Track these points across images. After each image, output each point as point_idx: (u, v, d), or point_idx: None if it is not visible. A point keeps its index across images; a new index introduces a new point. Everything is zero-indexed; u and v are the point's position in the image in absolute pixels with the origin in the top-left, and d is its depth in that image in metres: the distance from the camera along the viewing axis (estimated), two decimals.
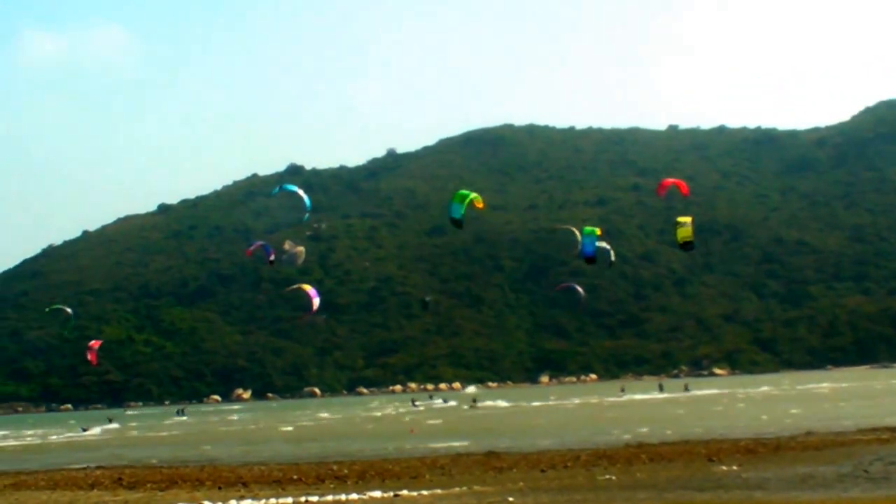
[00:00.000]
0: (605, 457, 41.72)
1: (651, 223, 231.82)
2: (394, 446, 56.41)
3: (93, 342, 66.30)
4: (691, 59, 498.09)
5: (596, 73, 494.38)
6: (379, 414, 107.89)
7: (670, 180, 52.65)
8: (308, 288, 49.82)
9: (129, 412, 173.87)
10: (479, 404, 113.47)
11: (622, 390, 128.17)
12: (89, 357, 64.20)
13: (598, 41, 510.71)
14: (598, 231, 43.21)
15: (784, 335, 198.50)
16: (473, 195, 40.24)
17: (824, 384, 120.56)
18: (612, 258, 50.32)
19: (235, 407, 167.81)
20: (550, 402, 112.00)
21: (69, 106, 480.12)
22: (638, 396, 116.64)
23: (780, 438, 47.05)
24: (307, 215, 40.21)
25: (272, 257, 55.74)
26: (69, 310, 35.14)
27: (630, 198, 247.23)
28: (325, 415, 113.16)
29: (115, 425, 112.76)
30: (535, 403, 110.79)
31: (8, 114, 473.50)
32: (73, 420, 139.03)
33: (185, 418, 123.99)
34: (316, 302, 47.20)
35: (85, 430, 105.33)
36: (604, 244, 51.32)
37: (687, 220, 40.80)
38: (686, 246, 39.78)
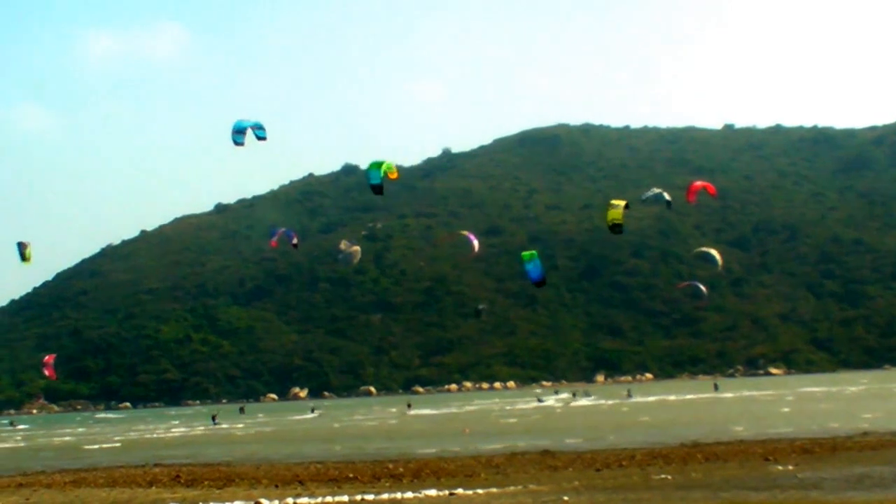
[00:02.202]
0: (660, 456, 41.65)
1: (707, 222, 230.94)
2: (449, 446, 56.54)
3: (47, 357, 66.29)
4: (747, 58, 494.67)
5: (651, 71, 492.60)
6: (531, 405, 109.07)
7: (699, 183, 52.37)
8: (466, 233, 50.07)
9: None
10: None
11: (629, 394, 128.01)
12: (47, 373, 64.17)
13: (653, 39, 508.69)
14: (530, 254, 42.97)
15: (841, 335, 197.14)
16: (387, 164, 40.36)
17: (877, 385, 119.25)
18: (668, 197, 49.61)
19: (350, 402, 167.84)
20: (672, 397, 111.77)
21: (127, 106, 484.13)
22: (650, 399, 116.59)
23: (836, 438, 46.75)
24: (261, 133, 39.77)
25: (295, 241, 55.99)
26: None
27: (686, 197, 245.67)
28: (471, 408, 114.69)
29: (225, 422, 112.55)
30: (672, 397, 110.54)
31: (68, 113, 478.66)
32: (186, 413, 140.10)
33: (229, 419, 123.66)
34: (476, 244, 47.33)
35: (216, 422, 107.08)
36: (657, 191, 51.18)
37: (620, 202, 40.55)
38: (615, 228, 39.37)
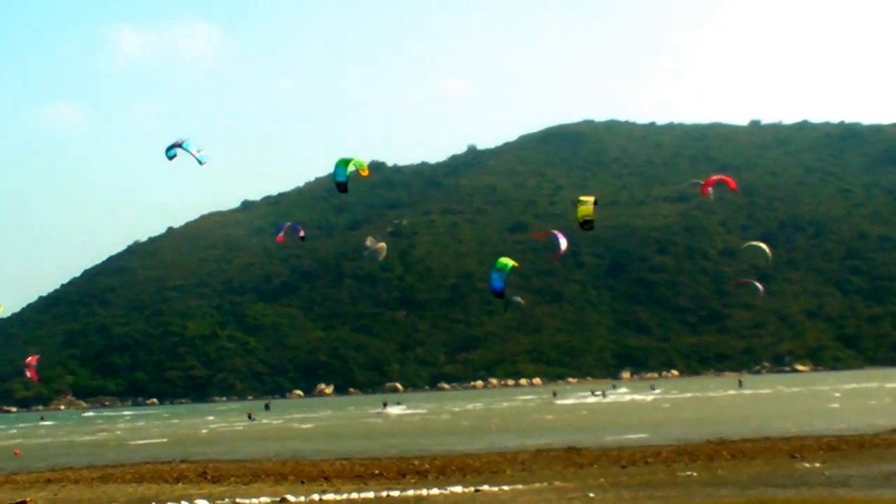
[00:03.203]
0: (686, 453, 41.61)
1: (733, 219, 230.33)
2: (475, 442, 56.62)
3: (29, 358, 66.20)
4: (773, 53, 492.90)
5: (676, 68, 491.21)
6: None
7: (715, 177, 52.04)
8: (557, 232, 50.08)
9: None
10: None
11: (601, 392, 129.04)
12: (28, 374, 64.10)
13: (679, 35, 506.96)
14: (510, 264, 42.23)
15: (868, 331, 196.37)
16: (357, 161, 39.97)
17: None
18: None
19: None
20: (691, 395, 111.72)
21: (155, 103, 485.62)
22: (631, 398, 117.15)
23: (863, 436, 46.59)
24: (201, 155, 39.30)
25: (301, 233, 55.98)
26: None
27: (700, 189, 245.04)
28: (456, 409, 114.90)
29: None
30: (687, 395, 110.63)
31: (98, 111, 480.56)
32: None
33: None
34: (563, 244, 47.26)
35: (252, 418, 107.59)
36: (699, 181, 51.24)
37: (589, 198, 40.09)
38: (585, 225, 39.05)
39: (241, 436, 79.59)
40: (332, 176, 39.81)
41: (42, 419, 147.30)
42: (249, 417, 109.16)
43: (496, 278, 41.47)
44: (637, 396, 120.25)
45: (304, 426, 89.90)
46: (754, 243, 50.79)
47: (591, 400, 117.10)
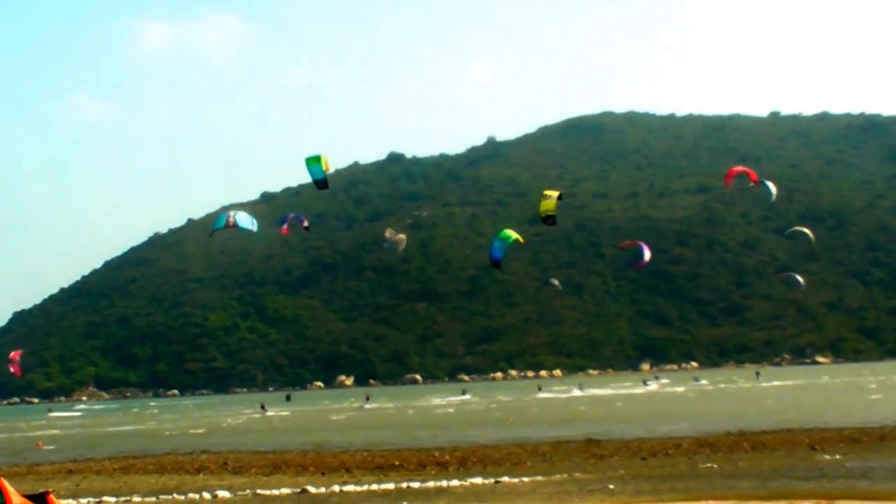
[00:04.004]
0: (706, 445, 41.56)
1: (752, 211, 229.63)
2: (493, 434, 56.68)
3: (13, 353, 65.99)
4: (793, 44, 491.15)
5: (696, 59, 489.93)
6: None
7: (738, 168, 51.79)
8: (642, 243, 50.01)
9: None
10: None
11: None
12: (12, 369, 64.05)
13: (699, 27, 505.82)
14: (514, 237, 41.40)
15: (889, 323, 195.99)
16: (323, 157, 39.51)
17: None
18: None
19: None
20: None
21: (177, 95, 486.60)
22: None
23: (884, 428, 46.45)
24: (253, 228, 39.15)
25: (305, 223, 55.95)
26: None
27: (723, 181, 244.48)
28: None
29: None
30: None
31: (119, 102, 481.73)
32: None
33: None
34: (647, 254, 47.19)
35: (265, 409, 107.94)
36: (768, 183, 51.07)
37: (553, 193, 39.64)
38: (548, 220, 38.69)
39: (268, 427, 79.88)
40: (310, 175, 39.44)
41: (50, 411, 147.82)
42: (262, 409, 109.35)
43: (497, 248, 40.88)
44: (678, 388, 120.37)
45: (334, 418, 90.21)
46: (798, 228, 50.92)
47: (640, 390, 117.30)
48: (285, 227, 52.05)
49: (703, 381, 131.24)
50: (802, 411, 62.11)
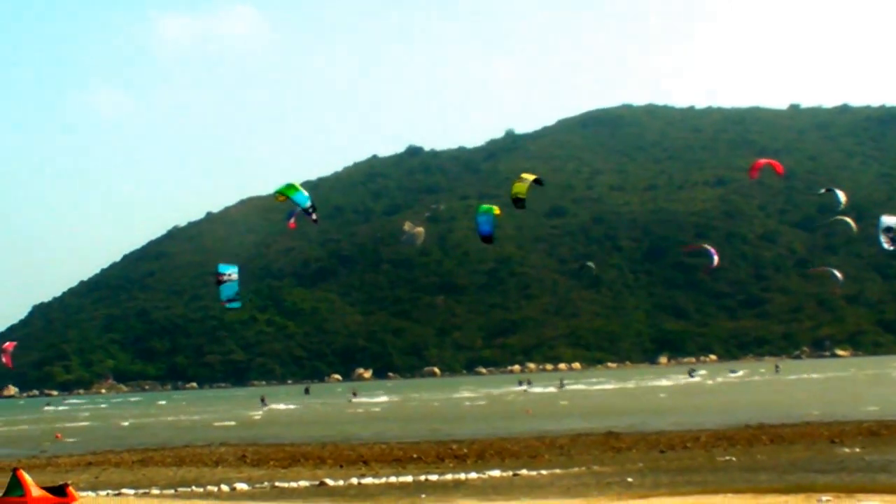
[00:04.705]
0: (725, 438, 41.54)
1: (772, 203, 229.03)
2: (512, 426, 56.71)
3: (7, 344, 65.87)
4: (813, 36, 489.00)
5: (715, 51, 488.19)
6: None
7: (763, 160, 51.51)
8: (709, 247, 50.05)
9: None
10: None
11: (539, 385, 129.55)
12: (3, 360, 64.06)
13: (717, 19, 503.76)
14: (494, 209, 41.07)
15: None
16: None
17: None
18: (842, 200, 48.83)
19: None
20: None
21: (195, 88, 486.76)
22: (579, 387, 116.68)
23: None
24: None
25: (314, 216, 55.87)
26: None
27: (749, 174, 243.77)
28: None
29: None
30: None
31: (138, 95, 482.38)
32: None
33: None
34: (716, 259, 47.18)
35: (265, 403, 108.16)
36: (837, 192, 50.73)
37: (529, 176, 39.25)
38: (517, 203, 38.32)
39: (290, 419, 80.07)
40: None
41: (48, 405, 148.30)
42: (262, 402, 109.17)
43: (483, 222, 40.60)
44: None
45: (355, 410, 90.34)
46: (839, 217, 50.07)
47: (684, 381, 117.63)
48: (292, 221, 52.14)
49: (740, 373, 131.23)
50: (852, 404, 61.35)
